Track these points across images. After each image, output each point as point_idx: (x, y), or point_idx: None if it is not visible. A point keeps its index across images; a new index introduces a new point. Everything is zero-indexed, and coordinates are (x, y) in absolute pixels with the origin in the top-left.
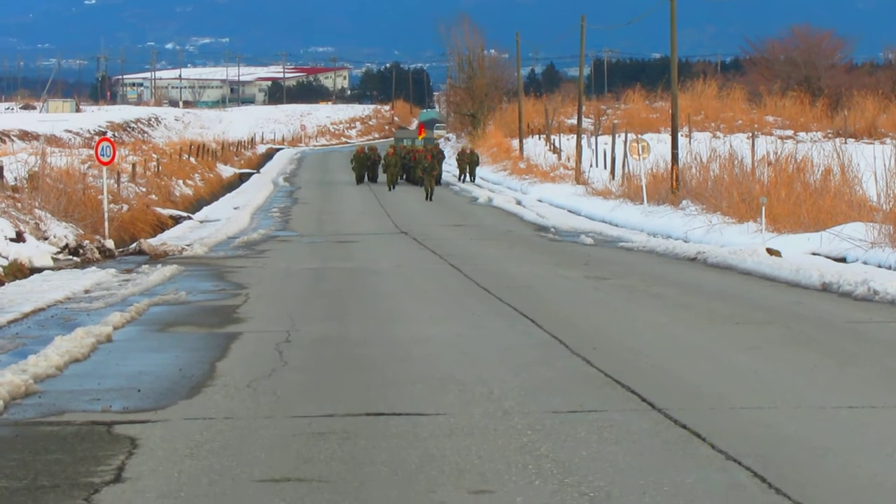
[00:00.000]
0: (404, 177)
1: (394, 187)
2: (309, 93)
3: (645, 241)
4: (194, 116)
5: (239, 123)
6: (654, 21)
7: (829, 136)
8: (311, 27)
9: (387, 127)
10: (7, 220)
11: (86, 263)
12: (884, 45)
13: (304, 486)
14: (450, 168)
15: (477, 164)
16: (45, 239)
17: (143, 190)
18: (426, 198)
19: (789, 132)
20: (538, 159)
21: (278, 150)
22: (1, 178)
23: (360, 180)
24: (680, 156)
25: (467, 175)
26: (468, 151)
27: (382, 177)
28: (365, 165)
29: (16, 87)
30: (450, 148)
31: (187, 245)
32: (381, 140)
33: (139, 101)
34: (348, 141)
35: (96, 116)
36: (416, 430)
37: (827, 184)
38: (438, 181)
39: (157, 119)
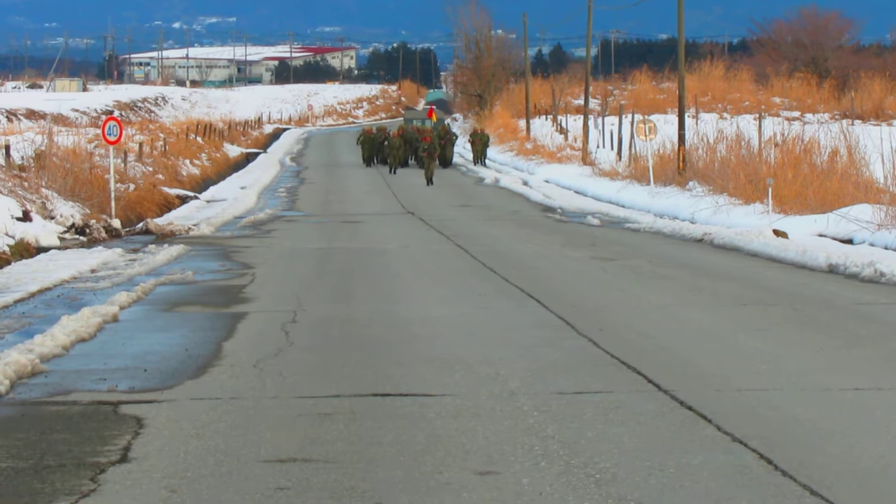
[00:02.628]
0: (412, 159)
1: (394, 171)
2: (316, 73)
3: (651, 222)
4: (201, 96)
5: (246, 103)
6: (662, 2)
7: (836, 117)
8: (319, 7)
9: (394, 107)
10: (14, 199)
11: (92, 243)
12: (891, 26)
13: (309, 467)
14: (461, 150)
15: (487, 144)
16: (52, 218)
17: (150, 169)
18: (427, 182)
19: (796, 113)
20: (545, 140)
21: (285, 129)
22: (8, 157)
23: (368, 163)
24: (687, 137)
25: (482, 160)
26: (479, 132)
27: None
28: (374, 146)
29: (23, 66)
30: (456, 128)
31: (194, 225)
32: (389, 120)
33: (146, 81)
34: (355, 121)
35: (103, 96)
36: (422, 410)
37: (834, 165)
38: (448, 164)
39: (163, 98)
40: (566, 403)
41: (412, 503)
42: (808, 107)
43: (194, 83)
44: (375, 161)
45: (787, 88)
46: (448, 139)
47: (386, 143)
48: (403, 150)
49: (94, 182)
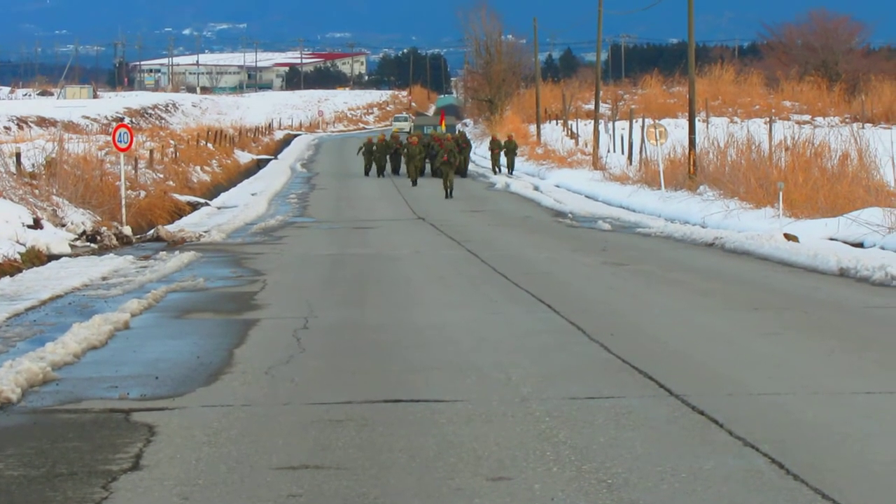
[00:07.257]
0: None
1: (416, 182)
2: (326, 78)
3: (662, 227)
4: (212, 102)
5: (256, 109)
6: (672, 6)
7: (847, 120)
8: (329, 12)
9: (404, 112)
10: (24, 206)
11: (103, 250)
12: None
13: (321, 473)
14: (475, 158)
15: (515, 153)
16: (63, 226)
17: (161, 176)
18: (445, 196)
19: (807, 117)
20: (555, 145)
21: (296, 136)
22: (18, 164)
23: (380, 172)
24: (697, 141)
25: (505, 168)
26: (509, 140)
27: (403, 168)
28: (383, 156)
29: (33, 73)
30: (467, 133)
31: (205, 231)
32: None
33: (156, 88)
34: (366, 127)
35: (113, 102)
36: (434, 416)
37: (844, 169)
38: (464, 174)
39: (174, 105)
40: (578, 409)
41: None
42: (819, 110)
43: (205, 90)
44: (388, 170)
45: (797, 92)
46: (465, 147)
47: (405, 150)
48: (423, 158)
49: (104, 189)
